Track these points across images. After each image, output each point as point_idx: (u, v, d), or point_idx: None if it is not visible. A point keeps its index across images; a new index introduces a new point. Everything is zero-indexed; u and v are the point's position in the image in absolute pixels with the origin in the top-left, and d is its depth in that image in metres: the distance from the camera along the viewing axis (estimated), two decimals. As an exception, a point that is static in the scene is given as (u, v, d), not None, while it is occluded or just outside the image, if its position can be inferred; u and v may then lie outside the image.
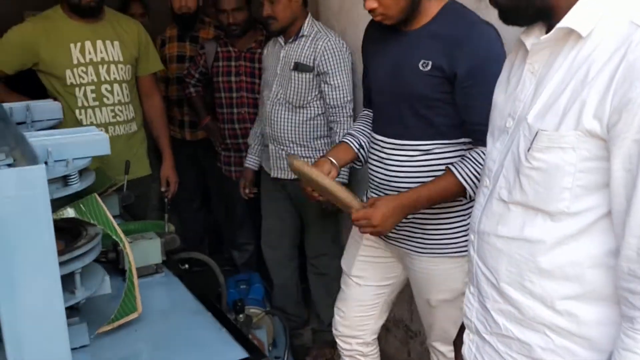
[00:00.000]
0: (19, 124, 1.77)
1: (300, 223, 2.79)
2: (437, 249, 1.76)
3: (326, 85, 2.43)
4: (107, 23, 2.54)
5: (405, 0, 1.60)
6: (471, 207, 1.68)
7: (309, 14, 2.55)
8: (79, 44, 2.45)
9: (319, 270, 2.79)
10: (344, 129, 2.40)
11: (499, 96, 1.17)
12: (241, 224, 3.31)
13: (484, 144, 1.53)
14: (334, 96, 2.43)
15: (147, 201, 2.81)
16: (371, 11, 1.66)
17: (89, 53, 2.47)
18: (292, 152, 2.53)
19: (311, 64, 2.44)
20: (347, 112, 2.44)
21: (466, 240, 1.69)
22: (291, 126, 2.53)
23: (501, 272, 1.06)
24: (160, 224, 2.04)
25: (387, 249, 1.89)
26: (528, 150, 0.98)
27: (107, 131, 2.52)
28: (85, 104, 2.50)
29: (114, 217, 2.14)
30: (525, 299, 1.03)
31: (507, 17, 1.07)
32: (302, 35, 2.48)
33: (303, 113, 2.51)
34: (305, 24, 2.49)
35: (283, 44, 2.55)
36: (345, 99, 2.44)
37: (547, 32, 1.03)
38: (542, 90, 1.00)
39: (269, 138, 2.61)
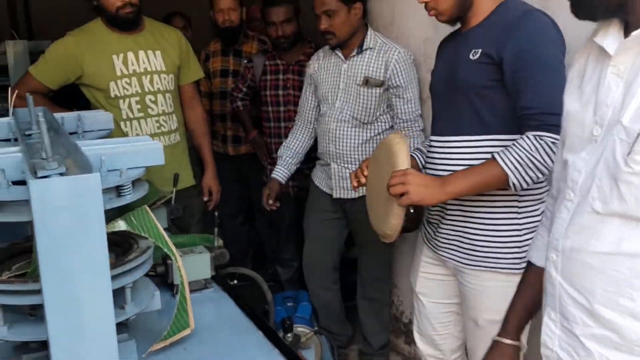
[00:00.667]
0: (70, 134, 1.75)
1: (345, 245, 2.72)
2: (487, 262, 1.68)
3: (399, 100, 2.36)
4: (148, 33, 2.53)
5: None
6: (528, 220, 1.65)
7: (369, 26, 2.48)
8: (121, 55, 2.45)
9: (370, 295, 2.70)
10: (415, 144, 2.33)
11: (572, 105, 1.08)
12: (286, 240, 3.26)
13: (532, 128, 1.49)
14: (407, 110, 2.36)
15: (191, 213, 2.78)
16: (426, 7, 1.68)
17: (132, 64, 2.46)
18: None
19: (381, 78, 2.37)
20: (418, 126, 2.38)
21: (521, 257, 1.60)
22: (358, 143, 2.45)
23: (595, 292, 0.96)
24: (208, 238, 2.00)
25: (444, 266, 1.82)
26: (628, 155, 0.89)
27: None
28: (130, 115, 2.49)
29: (165, 229, 2.14)
30: (625, 320, 0.93)
31: (581, 10, 0.99)
32: (367, 49, 2.41)
33: (370, 129, 2.44)
34: (368, 37, 2.42)
35: (344, 58, 2.47)
36: (417, 112, 2.38)
37: (627, 31, 0.94)
38: (635, 91, 0.91)
39: (332, 157, 2.52)
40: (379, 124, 2.43)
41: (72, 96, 2.61)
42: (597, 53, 1.02)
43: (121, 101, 2.46)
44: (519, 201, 1.64)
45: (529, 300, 1.24)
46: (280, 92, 2.94)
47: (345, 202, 2.54)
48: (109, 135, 1.90)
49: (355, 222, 2.54)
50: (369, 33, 2.43)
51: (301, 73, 2.91)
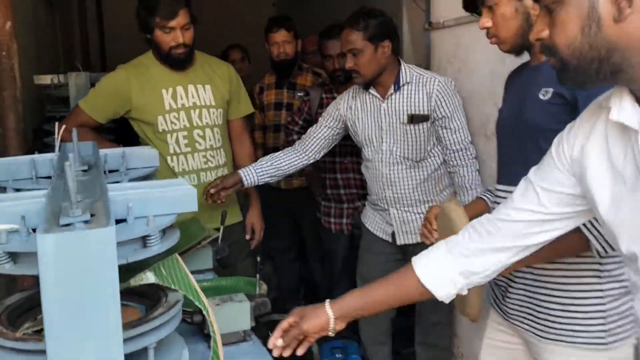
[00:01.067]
0: (112, 171, 1.69)
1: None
2: (565, 336, 1.45)
3: (446, 130, 2.24)
4: (199, 66, 2.48)
5: (515, 21, 1.48)
6: (612, 286, 1.41)
7: (401, 61, 2.36)
8: (170, 90, 2.40)
9: (429, 341, 2.52)
10: (469, 172, 2.21)
11: (614, 192, 0.94)
12: (339, 278, 3.11)
13: None
14: (456, 139, 2.24)
15: (238, 250, 2.68)
16: (487, 34, 1.56)
17: (181, 98, 2.41)
18: (418, 211, 2.31)
19: (426, 112, 2.24)
20: (470, 154, 2.24)
21: (605, 329, 1.38)
22: (415, 184, 2.32)
23: None
24: (253, 282, 1.89)
25: (514, 333, 1.60)
26: None
27: (198, 178, 2.44)
28: (177, 150, 2.43)
29: (207, 270, 2.04)
30: None
31: (567, 80, 0.95)
32: (405, 84, 2.29)
33: (424, 167, 2.31)
34: (403, 72, 2.30)
35: (380, 97, 2.35)
36: (467, 140, 2.25)
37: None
38: None
39: (390, 202, 2.39)
40: (432, 159, 2.31)
41: (121, 129, 2.60)
42: (619, 131, 0.93)
43: (169, 135, 2.41)
44: (601, 263, 1.42)
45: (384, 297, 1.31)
46: (337, 126, 2.83)
47: (407, 246, 2.38)
48: (155, 172, 1.83)
49: None
50: (402, 68, 2.31)
51: (358, 107, 2.80)
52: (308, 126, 3.06)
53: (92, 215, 0.97)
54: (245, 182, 2.36)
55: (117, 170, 1.69)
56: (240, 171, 2.40)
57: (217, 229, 2.39)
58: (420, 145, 2.26)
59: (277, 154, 2.54)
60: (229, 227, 2.49)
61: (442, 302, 2.32)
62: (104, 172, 1.68)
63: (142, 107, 2.39)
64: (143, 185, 1.26)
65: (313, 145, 2.49)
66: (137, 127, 2.47)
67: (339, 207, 2.92)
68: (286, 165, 2.45)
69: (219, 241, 2.14)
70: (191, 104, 2.42)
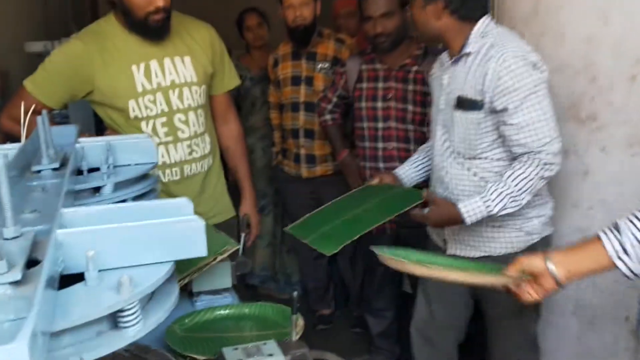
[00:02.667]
0: (91, 170, 1.22)
1: (473, 314, 2.04)
2: None
3: (506, 128, 1.64)
4: (174, 32, 1.94)
5: None
6: None
7: (483, 20, 1.74)
8: (142, 66, 1.88)
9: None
10: (526, 174, 1.60)
11: None
12: (380, 286, 2.64)
13: None
14: (521, 140, 1.62)
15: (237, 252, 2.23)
16: None
17: (156, 76, 1.89)
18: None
19: (479, 98, 1.66)
20: (540, 156, 1.61)
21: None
22: (469, 185, 1.76)
23: None
24: (284, 310, 1.45)
25: None
26: None
27: (181, 171, 1.98)
28: (156, 140, 1.92)
29: (226, 290, 1.62)
30: None
31: None
32: (466, 54, 1.71)
33: (480, 167, 1.74)
34: (472, 35, 1.71)
35: (448, 64, 1.79)
36: (540, 140, 1.61)
37: None
38: None
39: None
40: (493, 160, 1.72)
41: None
42: None
43: (144, 123, 1.91)
44: None
45: None
46: (379, 104, 2.33)
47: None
48: (153, 171, 1.35)
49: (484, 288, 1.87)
50: (474, 30, 1.71)
51: (406, 80, 2.29)
52: (344, 105, 2.58)
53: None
54: (404, 179, 1.98)
55: (97, 169, 1.22)
56: (396, 172, 1.98)
57: (217, 226, 1.96)
58: (470, 139, 1.71)
59: (423, 146, 2.07)
60: (220, 226, 2.05)
61: (523, 335, 1.87)
62: (81, 172, 1.22)
63: (108, 89, 1.87)
64: (124, 211, 0.78)
65: None
66: (103, 112, 1.95)
67: (381, 203, 2.43)
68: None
69: (240, 253, 1.69)
70: (169, 83, 1.91)
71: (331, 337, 3.10)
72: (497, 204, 1.60)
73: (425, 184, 1.98)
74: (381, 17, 2.20)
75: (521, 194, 1.60)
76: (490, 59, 1.64)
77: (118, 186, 1.17)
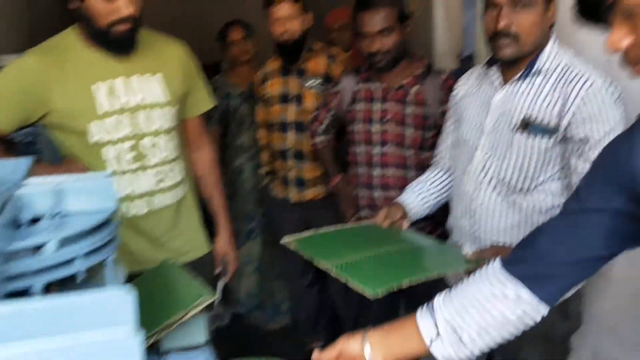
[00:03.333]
0: (34, 221, 1.02)
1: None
2: None
3: (580, 160, 1.44)
4: (143, 49, 1.75)
5: None
6: None
7: (554, 34, 1.55)
8: (105, 85, 1.68)
9: None
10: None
11: None
12: (377, 317, 2.43)
13: None
14: None
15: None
16: (623, 57, 0.92)
17: (121, 96, 1.70)
18: None
19: (554, 123, 1.47)
20: None
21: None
22: (507, 223, 1.56)
23: None
24: None
25: None
26: None
27: (150, 203, 1.78)
28: (120, 168, 1.72)
29: (198, 347, 1.43)
30: None
31: None
32: (539, 71, 1.53)
33: (530, 202, 1.54)
34: (547, 52, 1.51)
35: (501, 82, 1.62)
36: None
37: None
38: None
39: (466, 235, 1.66)
40: (546, 194, 1.52)
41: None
42: None
43: (105, 149, 1.71)
44: None
45: None
46: (375, 127, 2.14)
47: None
48: (113, 218, 1.15)
49: (503, 344, 1.67)
50: (548, 47, 1.52)
51: (404, 101, 2.10)
52: (336, 126, 2.39)
53: None
54: (409, 212, 1.78)
55: (38, 220, 1.02)
56: (403, 202, 1.79)
57: (191, 263, 1.76)
58: (528, 168, 1.52)
59: (419, 178, 1.89)
60: (196, 263, 1.85)
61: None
62: (20, 225, 1.02)
63: (65, 110, 1.66)
64: (34, 316, 0.58)
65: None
66: (58, 137, 1.74)
67: (377, 233, 2.24)
68: (435, 186, 1.85)
69: (215, 303, 1.49)
70: (136, 104, 1.72)
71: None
72: None
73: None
74: (379, 34, 2.01)
75: None
76: (572, 81, 1.45)
77: (66, 242, 0.97)
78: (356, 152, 2.19)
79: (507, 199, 1.54)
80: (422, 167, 2.12)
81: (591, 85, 1.41)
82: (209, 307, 1.44)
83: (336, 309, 3.05)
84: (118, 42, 1.66)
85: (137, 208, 1.76)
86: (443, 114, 2.09)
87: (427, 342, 1.04)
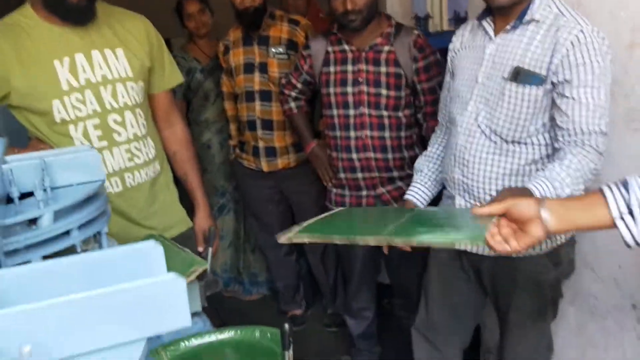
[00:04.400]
0: (23, 196, 0.99)
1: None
2: None
3: (566, 100, 1.44)
4: (103, 22, 1.69)
5: None
6: None
7: None
8: (66, 60, 1.61)
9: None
10: (579, 163, 1.38)
11: None
12: (359, 284, 2.46)
13: None
14: (578, 118, 1.42)
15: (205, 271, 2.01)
16: None
17: (84, 71, 1.63)
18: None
19: (543, 72, 1.47)
20: (594, 144, 1.41)
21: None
22: (497, 173, 1.57)
23: None
24: (275, 334, 1.28)
25: None
26: None
27: (122, 181, 1.72)
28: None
29: (195, 314, 1.43)
30: None
31: None
32: (531, 21, 1.51)
33: (520, 153, 1.55)
34: (537, 1, 1.50)
35: (493, 33, 1.59)
36: (597, 125, 1.41)
37: None
38: None
39: (458, 187, 1.66)
40: (536, 146, 1.54)
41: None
42: None
43: (72, 127, 1.64)
44: None
45: None
46: (350, 90, 2.12)
47: (478, 259, 1.67)
48: (101, 190, 1.11)
49: (493, 285, 1.71)
50: None
51: (378, 62, 2.09)
52: (309, 91, 2.37)
53: None
54: (422, 205, 1.80)
55: (30, 194, 0.98)
56: (408, 197, 1.80)
57: (175, 239, 1.74)
58: (519, 118, 1.51)
59: (428, 151, 1.86)
60: (177, 238, 1.82)
61: (539, 342, 1.72)
62: (12, 200, 0.98)
63: (27, 90, 1.60)
64: (69, 269, 0.56)
65: None
66: (23, 118, 1.67)
67: (357, 195, 2.23)
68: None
69: (207, 272, 1.48)
70: (100, 79, 1.66)
71: (306, 340, 2.93)
72: (564, 189, 1.34)
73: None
74: None
75: (581, 182, 1.38)
76: (560, 29, 1.45)
77: (60, 213, 0.94)
78: (332, 115, 2.18)
79: (499, 149, 1.55)
80: (398, 127, 2.13)
81: (580, 31, 1.42)
82: (201, 276, 1.43)
83: (313, 275, 3.06)
84: (74, 11, 1.59)
85: (112, 186, 1.72)
86: (416, 72, 2.10)
87: (615, 215, 1.03)
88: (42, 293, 0.49)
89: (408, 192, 1.83)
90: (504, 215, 1.11)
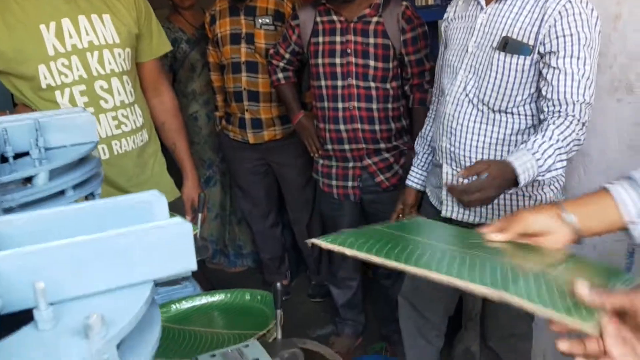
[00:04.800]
0: (18, 155, 0.99)
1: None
2: None
3: (551, 70, 1.46)
4: None
5: None
6: None
7: None
8: (53, 25, 1.61)
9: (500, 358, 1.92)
10: (562, 135, 1.38)
11: None
12: (343, 259, 2.50)
13: None
14: (563, 88, 1.43)
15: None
16: None
17: (70, 37, 1.63)
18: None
19: (531, 42, 1.48)
20: (577, 115, 1.40)
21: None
22: (484, 142, 1.59)
23: None
24: (266, 296, 1.37)
25: None
26: None
27: (110, 148, 1.72)
28: None
29: (185, 279, 1.45)
30: None
31: None
32: None
33: (507, 122, 1.57)
34: None
35: (484, 3, 1.59)
36: (582, 95, 1.42)
37: None
38: None
39: (445, 156, 1.68)
40: (522, 116, 1.56)
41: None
42: None
43: (58, 93, 1.64)
44: None
45: None
46: (338, 61, 2.13)
47: (464, 227, 1.71)
48: (93, 152, 1.12)
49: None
50: None
51: (366, 33, 2.10)
52: (297, 62, 2.37)
53: None
54: (421, 188, 1.89)
55: (26, 154, 0.99)
56: (409, 183, 1.91)
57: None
58: (506, 87, 1.52)
59: (424, 130, 1.91)
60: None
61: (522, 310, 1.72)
62: (6, 159, 0.98)
63: (13, 54, 1.59)
64: (76, 216, 0.57)
65: None
66: (9, 83, 1.67)
67: (343, 167, 2.26)
68: None
69: (198, 237, 1.50)
70: (86, 44, 1.65)
71: (292, 310, 2.96)
72: (546, 160, 1.35)
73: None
74: None
75: (564, 153, 1.38)
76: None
77: (54, 174, 0.95)
78: (320, 86, 2.19)
79: (486, 118, 1.58)
80: (386, 99, 2.14)
81: (568, 1, 1.44)
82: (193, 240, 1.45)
83: (298, 246, 3.10)
84: None
85: (99, 153, 1.71)
86: (404, 44, 2.11)
87: (627, 220, 0.95)
88: (51, 237, 0.50)
89: (408, 178, 1.89)
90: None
